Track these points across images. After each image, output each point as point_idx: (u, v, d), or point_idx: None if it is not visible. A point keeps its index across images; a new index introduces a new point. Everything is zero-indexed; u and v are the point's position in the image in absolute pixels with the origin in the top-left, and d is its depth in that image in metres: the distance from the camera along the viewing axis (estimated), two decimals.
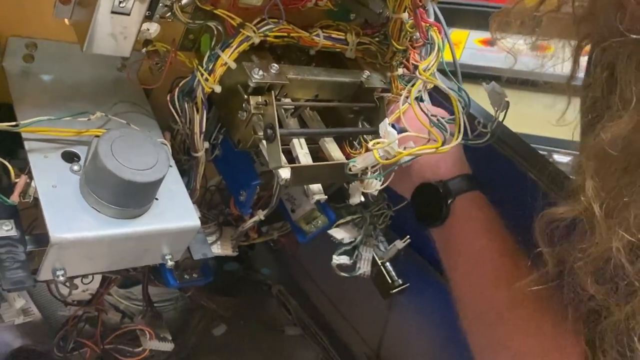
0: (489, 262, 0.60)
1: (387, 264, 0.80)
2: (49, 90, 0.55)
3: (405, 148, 0.53)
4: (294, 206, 0.78)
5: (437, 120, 0.53)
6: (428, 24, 0.57)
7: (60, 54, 0.56)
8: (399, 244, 0.79)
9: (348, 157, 0.64)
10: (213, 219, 0.72)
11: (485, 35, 1.59)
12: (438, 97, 0.84)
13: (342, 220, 0.78)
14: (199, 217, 0.56)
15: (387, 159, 0.51)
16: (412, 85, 0.56)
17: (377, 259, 0.80)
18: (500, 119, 0.61)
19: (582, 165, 0.48)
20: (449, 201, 0.64)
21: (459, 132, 0.51)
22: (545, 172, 0.68)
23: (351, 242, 0.78)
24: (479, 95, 1.54)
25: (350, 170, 0.57)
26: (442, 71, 0.64)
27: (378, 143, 0.50)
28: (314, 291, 1.16)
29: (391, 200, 0.82)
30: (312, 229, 0.77)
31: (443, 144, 0.52)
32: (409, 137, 0.55)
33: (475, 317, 0.61)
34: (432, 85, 0.79)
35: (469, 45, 1.57)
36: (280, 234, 0.87)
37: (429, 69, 0.55)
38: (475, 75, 1.50)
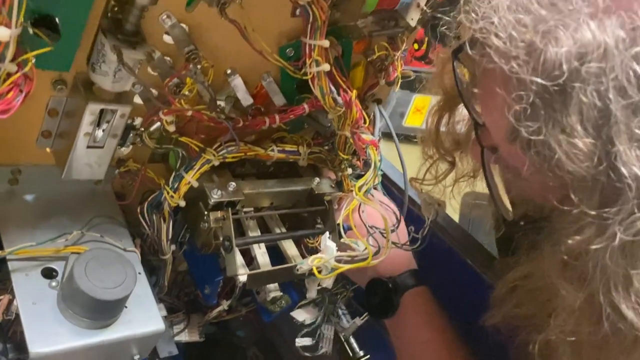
0: (431, 353, 0.68)
1: (350, 338, 0.88)
2: (32, 209, 0.62)
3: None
4: (259, 288, 0.85)
5: (373, 230, 0.61)
6: (365, 144, 0.65)
7: (42, 175, 0.63)
8: (358, 321, 0.87)
9: (306, 247, 0.71)
10: (181, 308, 0.79)
11: None
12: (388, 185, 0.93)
13: (303, 302, 0.86)
14: (170, 305, 0.63)
15: (325, 273, 0.59)
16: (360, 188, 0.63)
17: (339, 334, 0.87)
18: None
19: None
20: (398, 296, 0.72)
21: (388, 247, 0.59)
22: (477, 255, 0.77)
23: (312, 323, 0.85)
24: None
25: (297, 271, 0.64)
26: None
27: (317, 258, 0.58)
28: (289, 353, 1.21)
29: (349, 278, 0.89)
30: (277, 309, 0.84)
31: (377, 253, 0.60)
32: (353, 235, 0.62)
33: None
34: (380, 179, 0.88)
35: None
36: (248, 309, 0.93)
37: (366, 186, 0.62)
38: None
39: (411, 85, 1.76)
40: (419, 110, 1.65)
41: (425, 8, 0.63)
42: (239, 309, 0.93)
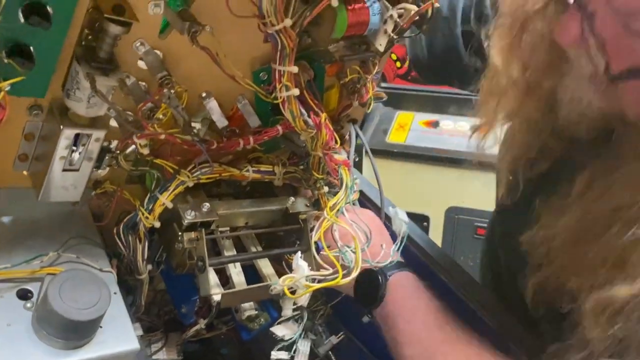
0: (432, 313, 0.69)
1: (329, 353, 0.89)
2: (8, 231, 0.63)
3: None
4: (237, 306, 0.86)
5: (346, 250, 0.63)
6: (337, 165, 0.67)
7: (18, 197, 0.64)
8: (334, 339, 0.88)
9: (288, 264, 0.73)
10: (160, 327, 0.80)
11: (429, 117, 1.73)
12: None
13: (283, 318, 0.87)
14: (149, 325, 0.64)
15: (298, 292, 0.60)
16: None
17: (315, 350, 0.88)
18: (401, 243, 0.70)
19: None
20: (387, 278, 0.72)
21: (358, 265, 0.61)
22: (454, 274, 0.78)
23: (291, 339, 0.86)
24: (422, 178, 1.64)
25: (271, 291, 0.66)
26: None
27: (288, 278, 0.59)
28: None
29: (328, 295, 0.91)
30: (256, 327, 0.85)
31: (347, 273, 0.61)
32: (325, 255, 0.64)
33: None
34: (357, 196, 0.90)
35: (414, 127, 1.70)
36: (229, 328, 0.94)
37: (338, 205, 0.64)
38: (420, 156, 1.63)
39: (394, 102, 1.80)
40: (401, 127, 1.68)
41: (392, 34, 0.65)
42: (220, 327, 0.94)
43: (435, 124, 1.70)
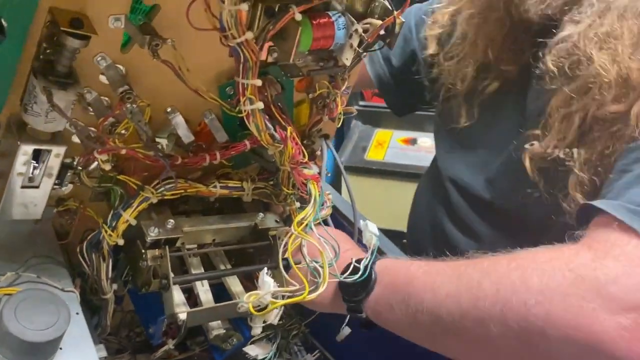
0: (435, 262, 0.64)
1: None
2: None
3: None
4: (208, 326, 0.84)
5: (314, 266, 0.62)
6: (306, 179, 0.66)
7: None
8: (310, 359, 0.86)
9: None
10: (128, 348, 0.78)
11: (407, 134, 1.74)
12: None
13: (256, 337, 0.85)
14: (117, 346, 0.62)
15: (261, 310, 0.59)
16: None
17: None
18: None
19: None
20: (373, 265, 0.67)
21: (324, 282, 0.60)
22: None
23: (264, 359, 0.84)
24: (401, 195, 1.64)
25: (239, 309, 0.64)
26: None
27: (253, 295, 0.58)
28: None
29: (303, 313, 0.89)
30: (228, 347, 0.83)
31: (315, 289, 0.60)
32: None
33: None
34: (329, 212, 0.89)
35: (392, 145, 1.71)
36: (202, 349, 0.92)
37: (305, 221, 0.63)
38: (398, 173, 1.63)
39: (373, 120, 1.81)
40: (380, 145, 1.68)
41: (358, 49, 0.65)
42: (193, 347, 0.92)
43: (413, 142, 1.71)
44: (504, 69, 0.83)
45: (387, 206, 1.53)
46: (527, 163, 0.74)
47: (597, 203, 0.59)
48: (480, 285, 0.55)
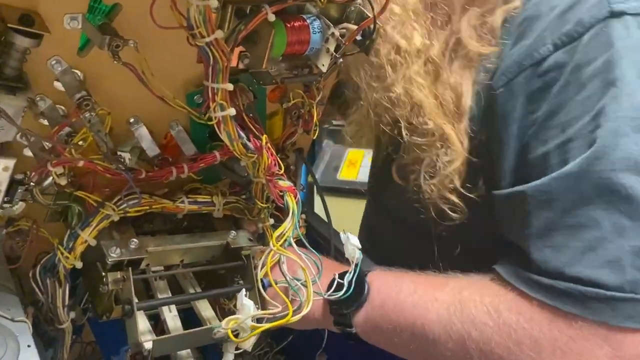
0: (424, 280, 0.64)
1: None
2: None
3: None
4: (177, 355, 0.78)
5: (295, 284, 0.57)
6: (282, 191, 0.62)
7: None
8: None
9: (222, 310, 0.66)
10: None
11: None
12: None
13: None
14: None
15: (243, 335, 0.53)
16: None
17: None
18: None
19: None
20: (365, 277, 0.66)
21: (310, 300, 0.55)
22: None
23: None
24: None
25: (215, 335, 0.59)
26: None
27: (232, 320, 0.53)
28: None
29: (275, 336, 0.84)
30: None
31: (298, 309, 0.55)
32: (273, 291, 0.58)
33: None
34: (304, 230, 0.84)
35: (364, 164, 1.68)
36: None
37: (284, 236, 0.58)
38: None
39: (345, 139, 1.78)
40: (352, 164, 1.65)
41: (335, 53, 0.62)
42: None
43: None
44: None
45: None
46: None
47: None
48: (466, 341, 0.57)
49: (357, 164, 1.68)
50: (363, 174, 1.65)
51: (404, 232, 0.81)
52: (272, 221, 0.73)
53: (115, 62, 0.50)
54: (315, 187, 0.86)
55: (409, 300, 0.62)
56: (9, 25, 0.45)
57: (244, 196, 0.71)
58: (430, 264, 0.67)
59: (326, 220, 0.86)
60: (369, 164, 1.70)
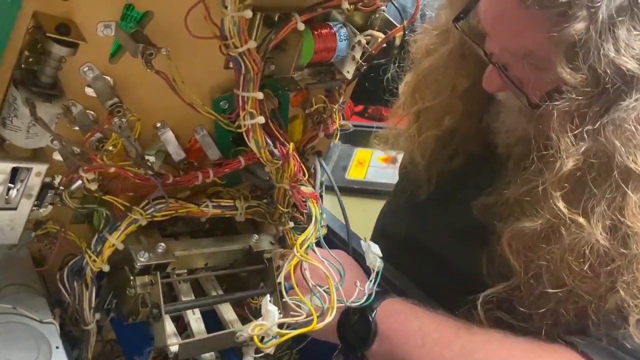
0: (433, 331, 0.65)
1: None
2: None
3: None
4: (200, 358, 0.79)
5: (317, 290, 0.58)
6: (305, 198, 0.63)
7: None
8: None
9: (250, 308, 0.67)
10: None
11: (387, 153, 1.72)
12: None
13: None
14: None
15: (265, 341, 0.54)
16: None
17: None
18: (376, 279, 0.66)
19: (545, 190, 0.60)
20: (373, 312, 0.67)
21: (333, 309, 0.56)
22: None
23: None
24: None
25: (237, 339, 0.60)
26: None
27: (258, 326, 0.53)
28: None
29: (294, 339, 0.84)
30: None
31: (321, 315, 0.56)
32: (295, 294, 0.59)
33: None
34: (325, 231, 0.85)
35: (373, 164, 1.68)
36: None
37: (307, 241, 0.59)
38: (380, 192, 1.60)
39: (353, 139, 1.78)
40: (360, 164, 1.66)
41: (360, 61, 0.62)
42: None
43: (393, 160, 1.68)
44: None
45: (369, 226, 1.50)
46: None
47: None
48: None
49: (365, 164, 1.68)
50: (372, 174, 1.65)
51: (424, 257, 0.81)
52: (291, 224, 0.74)
53: (148, 69, 0.51)
54: (335, 192, 0.86)
55: (416, 354, 0.64)
56: (47, 34, 0.45)
57: (265, 200, 0.72)
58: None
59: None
60: (377, 163, 1.72)
